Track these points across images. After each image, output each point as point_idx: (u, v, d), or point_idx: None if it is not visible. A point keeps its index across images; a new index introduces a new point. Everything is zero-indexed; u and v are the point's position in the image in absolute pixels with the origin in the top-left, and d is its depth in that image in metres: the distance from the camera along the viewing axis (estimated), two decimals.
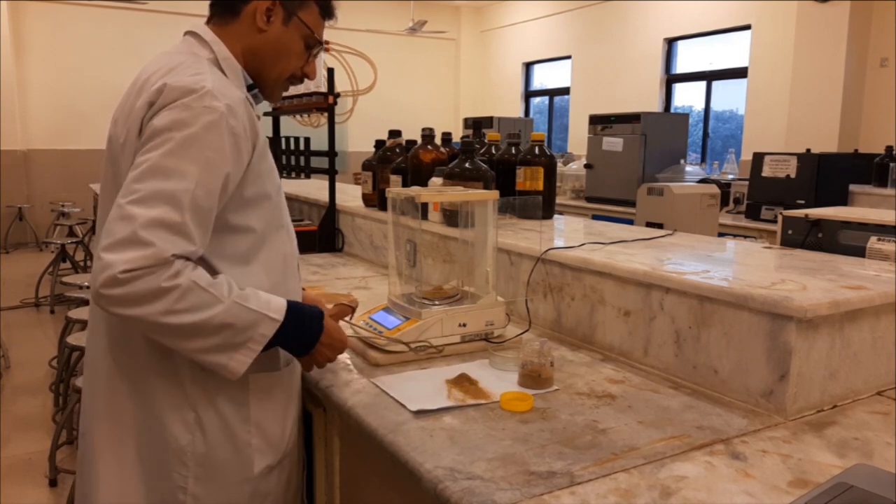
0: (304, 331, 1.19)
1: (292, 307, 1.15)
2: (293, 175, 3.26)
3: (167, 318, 1.01)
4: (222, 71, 1.20)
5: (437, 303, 1.56)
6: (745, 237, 3.69)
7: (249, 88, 1.27)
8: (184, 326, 1.03)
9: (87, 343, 1.30)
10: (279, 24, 1.23)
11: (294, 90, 2.72)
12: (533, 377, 1.31)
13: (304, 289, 1.44)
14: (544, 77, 10.56)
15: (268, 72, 1.27)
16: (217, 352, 1.08)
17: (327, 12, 1.30)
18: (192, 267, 1.04)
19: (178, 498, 1.16)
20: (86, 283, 3.75)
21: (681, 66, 8.12)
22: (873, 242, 2.26)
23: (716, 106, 7.94)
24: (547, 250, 1.71)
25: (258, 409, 1.21)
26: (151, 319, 1.01)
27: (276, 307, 1.13)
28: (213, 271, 1.10)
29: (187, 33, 1.26)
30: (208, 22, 1.26)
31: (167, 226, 1.01)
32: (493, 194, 1.62)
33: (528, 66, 10.62)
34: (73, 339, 2.78)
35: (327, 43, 2.61)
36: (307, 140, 3.17)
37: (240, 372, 1.10)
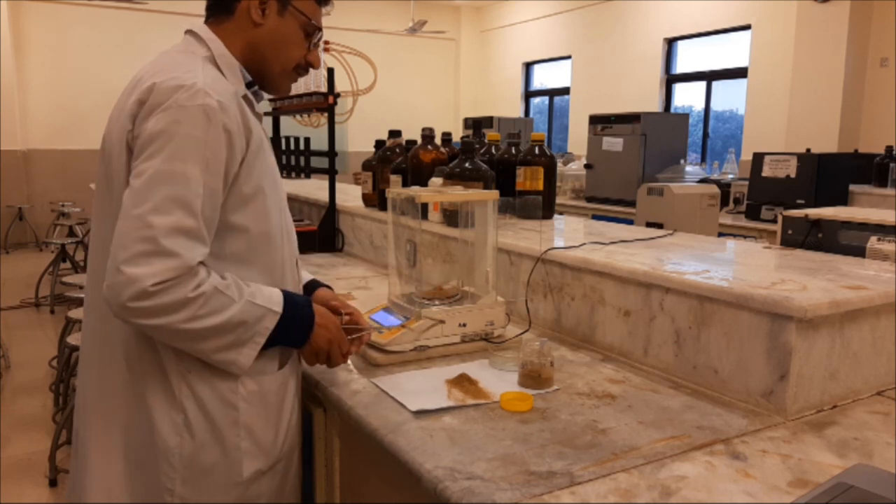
0: (298, 318, 1.20)
1: (286, 296, 1.19)
2: (293, 175, 3.26)
3: (190, 325, 1.04)
4: (219, 69, 1.20)
5: (437, 303, 1.56)
6: (745, 237, 3.69)
7: (250, 85, 1.27)
8: (204, 330, 1.06)
9: (81, 342, 1.30)
10: (275, 16, 1.23)
11: (294, 90, 2.72)
12: (533, 377, 1.31)
13: (318, 286, 1.45)
14: (544, 77, 10.56)
15: (271, 65, 1.26)
16: (227, 349, 1.11)
17: None
18: (209, 272, 1.07)
19: (165, 499, 1.15)
20: (86, 283, 3.75)
21: (681, 66, 8.12)
22: (873, 242, 2.26)
23: (716, 106, 7.94)
24: (547, 250, 1.71)
25: (248, 412, 1.19)
26: (174, 327, 1.04)
27: (276, 300, 1.16)
28: (216, 272, 1.11)
29: (187, 32, 1.26)
30: (206, 22, 1.26)
31: (185, 232, 1.03)
32: (493, 194, 1.62)
33: (528, 66, 10.62)
34: (73, 339, 2.79)
35: (327, 43, 2.61)
36: (307, 140, 3.17)
37: (247, 365, 1.14)
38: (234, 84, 1.20)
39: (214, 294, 1.06)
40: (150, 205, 1.02)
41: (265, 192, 1.19)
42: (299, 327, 1.22)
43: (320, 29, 1.30)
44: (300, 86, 2.68)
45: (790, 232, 2.72)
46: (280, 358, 1.25)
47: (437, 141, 2.45)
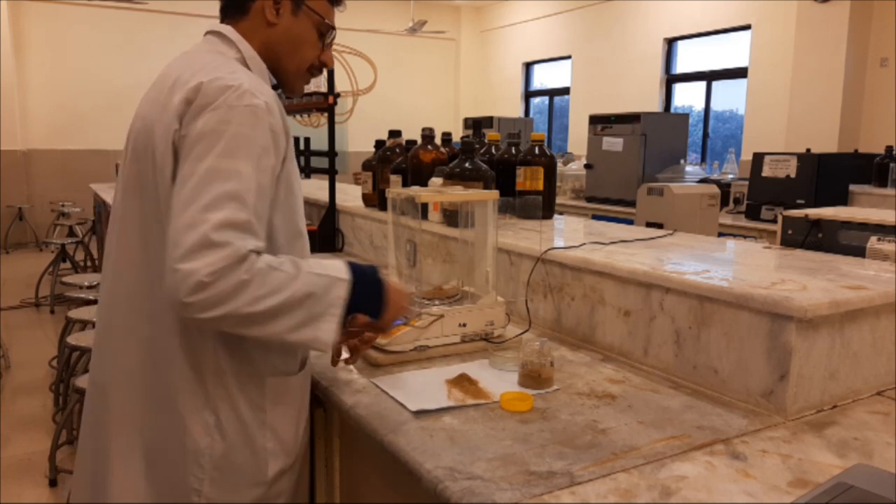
0: (371, 284, 1.18)
1: (350, 265, 1.15)
2: None
3: (254, 307, 1.02)
4: (249, 70, 1.20)
5: (437, 303, 1.56)
6: (745, 237, 3.69)
7: (273, 87, 1.27)
8: (270, 310, 1.03)
9: (95, 344, 1.27)
10: (289, 16, 1.23)
11: None
12: (533, 377, 1.31)
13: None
14: (544, 77, 10.56)
15: (286, 65, 1.27)
16: (304, 326, 1.07)
17: None
18: (260, 255, 1.05)
19: (192, 499, 1.15)
20: (86, 283, 3.75)
21: (681, 66, 8.12)
22: (873, 242, 2.26)
23: (716, 106, 7.94)
24: (547, 250, 1.71)
25: (274, 413, 1.21)
26: (239, 312, 1.01)
27: (339, 268, 1.13)
28: None
29: (209, 33, 1.25)
30: (222, 22, 1.26)
31: (236, 225, 1.02)
32: (493, 194, 1.62)
33: (528, 66, 10.62)
34: (73, 339, 2.78)
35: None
36: (307, 140, 3.17)
37: (331, 341, 1.10)
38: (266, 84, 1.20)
39: (269, 272, 1.03)
40: (202, 202, 1.01)
41: (294, 193, 1.20)
42: (372, 292, 1.18)
43: (334, 28, 1.30)
44: None
45: (790, 232, 2.72)
46: (301, 358, 1.27)
47: (437, 141, 2.45)
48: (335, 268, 1.13)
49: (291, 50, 1.26)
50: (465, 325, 1.53)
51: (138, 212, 1.16)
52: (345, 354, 1.34)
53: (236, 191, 1.03)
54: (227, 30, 1.23)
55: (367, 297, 1.17)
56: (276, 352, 1.21)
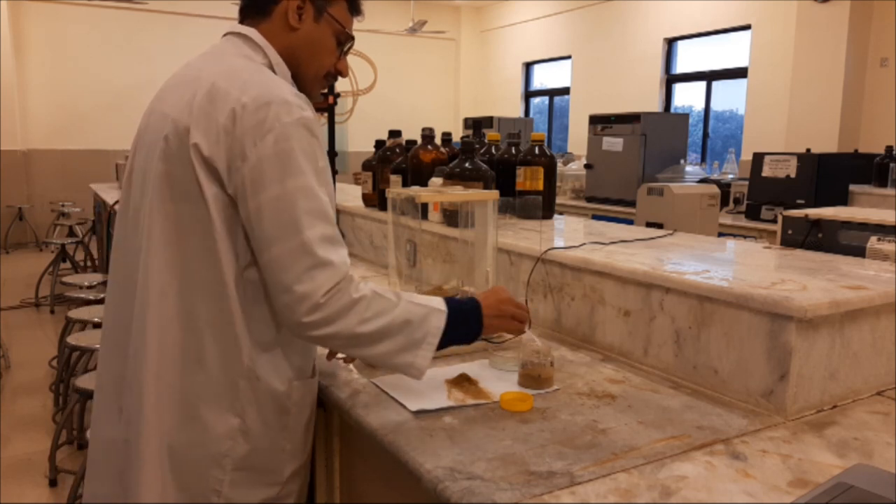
0: (465, 311, 1.22)
1: (447, 299, 1.21)
2: None
3: (361, 328, 1.09)
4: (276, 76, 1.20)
5: None
6: (745, 237, 3.69)
7: None
8: (375, 332, 1.11)
9: (117, 338, 1.23)
10: (311, 22, 1.23)
11: None
12: (533, 377, 1.31)
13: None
14: (544, 77, 10.56)
15: (305, 71, 1.26)
16: (404, 351, 1.14)
17: (355, 8, 1.30)
18: (363, 279, 1.12)
19: (212, 499, 1.16)
20: (86, 283, 3.75)
21: (681, 66, 8.12)
22: (873, 242, 2.26)
23: (716, 106, 7.95)
24: (547, 250, 1.71)
25: (295, 416, 1.22)
26: (348, 332, 1.09)
27: (437, 301, 1.19)
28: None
29: (230, 34, 1.24)
30: (242, 23, 1.25)
31: (330, 240, 1.09)
32: (493, 194, 1.62)
33: (528, 66, 10.62)
34: (73, 339, 2.78)
35: None
36: None
37: (425, 368, 1.16)
38: None
39: (375, 297, 1.11)
40: (297, 225, 1.06)
41: (332, 200, 1.20)
42: (468, 320, 1.22)
43: (352, 37, 1.30)
44: None
45: (790, 232, 2.72)
46: (313, 360, 1.28)
47: (437, 141, 2.45)
48: (434, 301, 1.20)
49: (311, 56, 1.26)
50: None
51: (172, 214, 1.13)
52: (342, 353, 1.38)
53: (319, 207, 1.09)
54: (253, 33, 1.22)
55: (464, 330, 1.22)
56: (299, 356, 1.22)
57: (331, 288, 1.06)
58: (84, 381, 2.40)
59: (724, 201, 4.10)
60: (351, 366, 1.46)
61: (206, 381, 1.14)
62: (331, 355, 1.41)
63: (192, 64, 1.21)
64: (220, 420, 1.15)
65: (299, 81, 1.27)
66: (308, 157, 1.09)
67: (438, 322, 1.16)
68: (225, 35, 1.25)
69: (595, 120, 5.09)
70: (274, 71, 1.20)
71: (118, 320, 1.23)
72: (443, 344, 1.18)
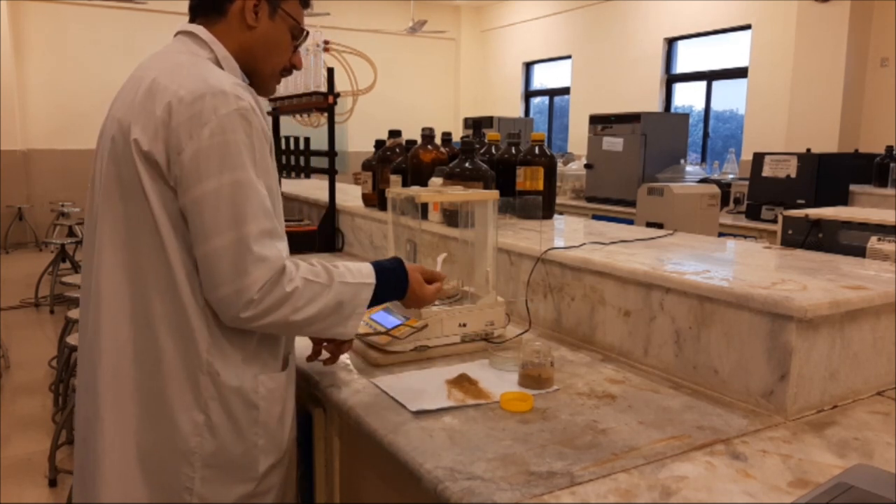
0: (394, 280, 1.32)
1: (376, 266, 1.28)
2: (293, 175, 3.26)
3: (295, 316, 1.13)
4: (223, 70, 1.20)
5: (437, 303, 1.56)
6: (746, 237, 3.69)
7: None
8: (309, 318, 1.15)
9: (80, 345, 1.27)
10: (266, 19, 1.24)
11: (294, 90, 2.72)
12: (533, 377, 1.31)
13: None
14: (544, 77, 10.56)
15: (262, 67, 1.28)
16: (335, 326, 1.21)
17: (305, 1, 1.31)
18: (297, 265, 1.15)
19: (184, 498, 1.16)
20: None
21: (681, 66, 8.12)
22: (873, 242, 2.26)
23: (716, 106, 7.95)
24: (547, 250, 1.70)
25: (266, 411, 1.22)
26: (282, 321, 1.13)
27: (367, 272, 1.26)
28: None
29: (180, 33, 1.25)
30: (193, 22, 1.25)
31: (267, 233, 1.11)
32: (493, 194, 1.62)
33: (528, 66, 10.62)
34: (72, 339, 2.78)
35: (327, 42, 2.61)
36: (307, 140, 3.16)
37: (353, 335, 1.26)
38: None
39: (307, 285, 1.14)
40: (233, 219, 1.08)
41: (274, 191, 1.20)
42: (395, 288, 1.33)
43: (306, 31, 1.32)
44: (300, 86, 2.68)
45: (790, 232, 2.72)
46: (284, 354, 1.27)
47: (437, 141, 2.45)
48: (364, 273, 1.25)
49: (268, 53, 1.27)
50: (465, 325, 1.53)
51: (121, 214, 1.15)
52: (325, 355, 1.43)
53: (257, 200, 1.10)
54: (199, 30, 1.23)
55: (390, 292, 1.33)
56: (265, 350, 1.22)
57: (264, 283, 1.08)
58: None
59: (725, 201, 4.10)
60: (351, 366, 1.46)
61: (166, 377, 1.15)
62: (311, 357, 1.43)
63: (142, 65, 1.22)
64: (184, 417, 1.15)
65: (256, 78, 1.28)
66: (246, 149, 1.10)
67: (367, 294, 1.24)
68: (176, 35, 1.26)
69: (595, 120, 5.09)
70: (220, 65, 1.21)
71: (84, 324, 1.24)
72: (373, 305, 1.27)
